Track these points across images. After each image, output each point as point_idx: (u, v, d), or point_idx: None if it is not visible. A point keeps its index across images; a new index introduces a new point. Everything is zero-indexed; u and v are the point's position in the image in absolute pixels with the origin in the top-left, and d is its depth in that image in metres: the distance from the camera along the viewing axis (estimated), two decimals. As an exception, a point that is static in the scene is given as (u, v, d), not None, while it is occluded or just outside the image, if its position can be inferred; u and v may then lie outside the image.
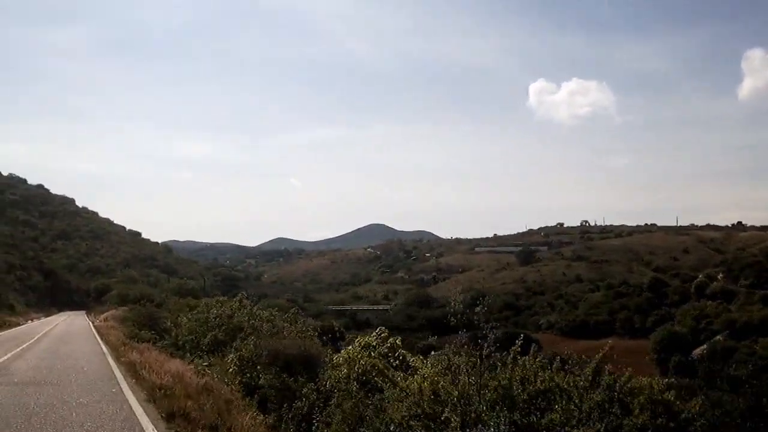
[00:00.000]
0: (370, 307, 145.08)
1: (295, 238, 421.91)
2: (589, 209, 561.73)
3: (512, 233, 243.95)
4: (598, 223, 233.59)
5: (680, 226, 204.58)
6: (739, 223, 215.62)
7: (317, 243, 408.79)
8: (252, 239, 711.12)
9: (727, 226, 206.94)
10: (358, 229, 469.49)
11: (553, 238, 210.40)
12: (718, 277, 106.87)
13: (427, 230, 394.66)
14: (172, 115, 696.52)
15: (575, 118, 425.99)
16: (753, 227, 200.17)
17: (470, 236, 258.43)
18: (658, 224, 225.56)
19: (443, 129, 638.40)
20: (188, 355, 22.50)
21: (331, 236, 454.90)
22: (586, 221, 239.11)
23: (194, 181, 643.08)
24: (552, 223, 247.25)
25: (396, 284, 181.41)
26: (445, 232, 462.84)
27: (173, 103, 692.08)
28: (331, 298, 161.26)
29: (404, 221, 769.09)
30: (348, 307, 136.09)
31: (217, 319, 25.65)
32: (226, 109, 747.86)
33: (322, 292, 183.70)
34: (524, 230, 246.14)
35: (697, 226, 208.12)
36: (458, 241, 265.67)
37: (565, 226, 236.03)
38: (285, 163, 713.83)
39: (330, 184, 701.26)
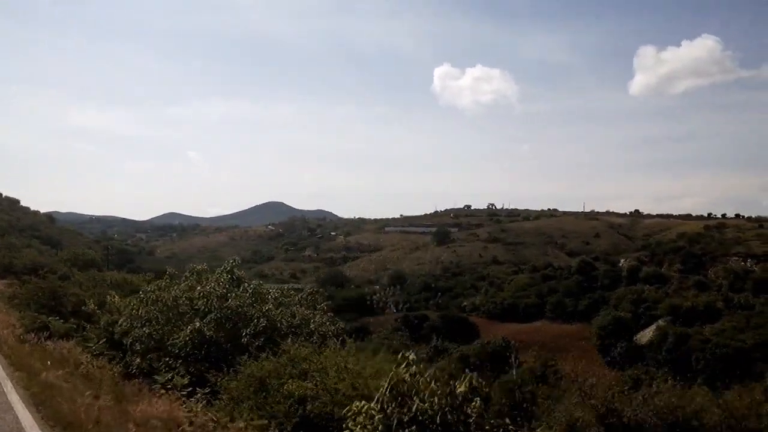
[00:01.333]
0: (279, 286, 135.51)
1: (189, 214, 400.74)
2: (493, 194, 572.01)
3: (419, 214, 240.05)
4: (504, 207, 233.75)
5: (584, 211, 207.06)
6: (637, 211, 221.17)
7: (213, 219, 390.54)
8: (142, 213, 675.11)
9: (626, 214, 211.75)
10: (256, 206, 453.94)
11: (463, 219, 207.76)
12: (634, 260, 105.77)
13: (328, 209, 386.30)
14: (65, 83, 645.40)
15: (478, 104, 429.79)
16: (650, 215, 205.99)
17: (375, 216, 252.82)
18: (560, 209, 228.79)
19: (350, 109, 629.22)
20: (153, 365, 13.30)
21: (228, 213, 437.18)
22: (493, 204, 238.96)
23: (82, 153, 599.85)
24: (458, 205, 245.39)
25: (303, 263, 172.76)
26: (345, 212, 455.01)
27: (66, 71, 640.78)
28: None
29: (304, 200, 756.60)
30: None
31: (201, 301, 16.33)
32: (124, 78, 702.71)
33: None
34: (432, 211, 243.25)
35: (599, 212, 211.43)
36: (363, 220, 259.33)
37: (472, 208, 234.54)
38: (183, 137, 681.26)
39: (229, 160, 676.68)
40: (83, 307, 22.68)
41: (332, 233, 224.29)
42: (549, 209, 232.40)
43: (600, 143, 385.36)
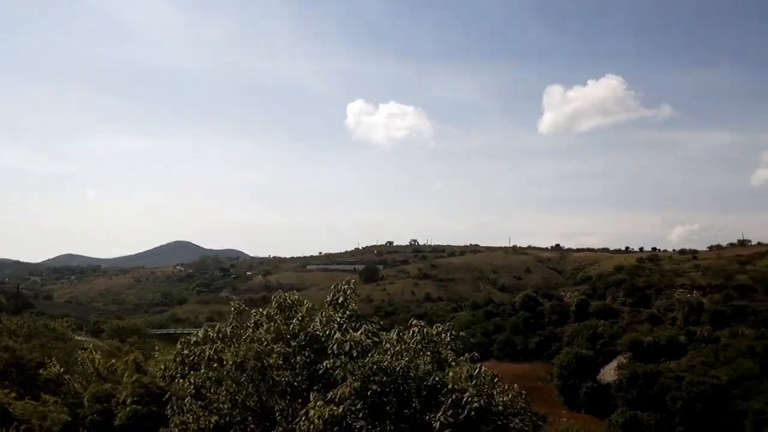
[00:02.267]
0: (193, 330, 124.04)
1: (88, 255, 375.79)
2: (413, 230, 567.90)
3: (340, 251, 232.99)
4: (428, 243, 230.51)
5: (511, 246, 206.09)
6: (557, 245, 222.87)
7: (115, 260, 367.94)
8: (36, 255, 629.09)
9: (547, 248, 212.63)
10: (162, 246, 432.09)
11: (387, 256, 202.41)
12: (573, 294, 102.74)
13: (239, 248, 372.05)
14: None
15: (392, 140, 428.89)
16: (570, 249, 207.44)
17: (291, 254, 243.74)
18: (481, 244, 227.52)
19: (257, 145, 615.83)
20: None
21: (131, 253, 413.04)
22: (415, 240, 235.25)
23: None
24: (380, 242, 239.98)
25: (220, 305, 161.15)
26: (258, 251, 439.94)
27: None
28: (146, 320, 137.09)
29: (213, 239, 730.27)
30: (173, 330, 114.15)
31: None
32: (15, 111, 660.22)
33: (129, 314, 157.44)
34: (353, 248, 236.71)
35: (521, 246, 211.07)
36: (280, 259, 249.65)
37: (395, 244, 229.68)
38: (80, 174, 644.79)
39: (131, 198, 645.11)
40: (41, 371, 14.36)
41: (248, 273, 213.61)
42: (471, 245, 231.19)
43: (510, 180, 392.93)
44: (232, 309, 12.11)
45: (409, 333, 10.73)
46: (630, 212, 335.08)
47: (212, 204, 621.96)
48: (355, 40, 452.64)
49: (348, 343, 9.69)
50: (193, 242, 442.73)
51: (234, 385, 10.41)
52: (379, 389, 9.36)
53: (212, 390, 10.48)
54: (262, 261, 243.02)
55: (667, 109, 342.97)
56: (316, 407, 8.79)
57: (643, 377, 63.42)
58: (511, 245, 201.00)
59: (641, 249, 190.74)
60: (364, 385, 9.21)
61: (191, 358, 10.48)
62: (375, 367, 9.39)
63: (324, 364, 9.76)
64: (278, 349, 10.58)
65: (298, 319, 10.95)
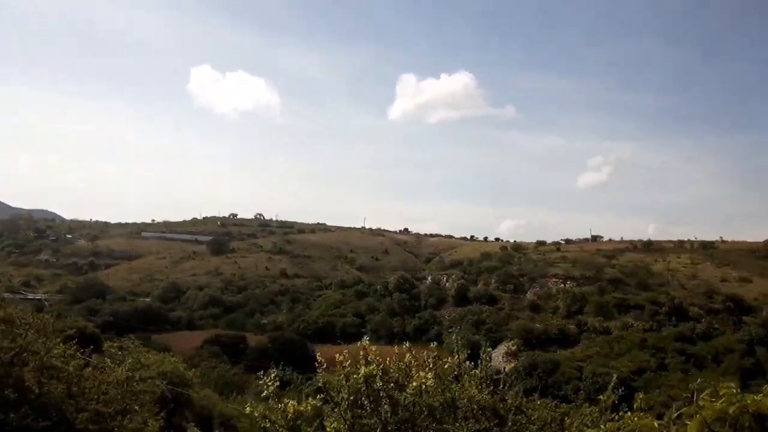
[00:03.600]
0: (10, 296, 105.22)
1: None
2: (251, 203, 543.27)
3: (178, 220, 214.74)
4: (276, 218, 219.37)
5: (367, 227, 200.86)
6: (406, 229, 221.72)
7: None
8: None
9: (396, 231, 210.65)
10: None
11: (232, 228, 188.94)
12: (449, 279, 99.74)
13: (52, 210, 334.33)
14: None
15: (238, 111, 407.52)
16: (419, 234, 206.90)
17: (119, 220, 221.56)
18: (329, 223, 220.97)
19: (84, 98, 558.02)
20: None
21: None
22: (261, 215, 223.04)
23: None
24: (222, 213, 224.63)
25: (38, 268, 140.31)
26: (77, 214, 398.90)
27: None
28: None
29: (22, 197, 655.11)
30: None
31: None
32: None
33: None
34: (191, 218, 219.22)
35: (372, 228, 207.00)
36: (106, 224, 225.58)
37: (239, 217, 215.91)
38: None
39: None
40: None
41: (68, 236, 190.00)
42: (319, 223, 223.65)
43: (357, 163, 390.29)
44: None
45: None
46: (466, 203, 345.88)
47: (23, 157, 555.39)
48: (208, 2, 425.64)
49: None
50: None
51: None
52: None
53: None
54: (86, 225, 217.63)
55: (511, 110, 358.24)
56: None
57: (542, 365, 60.07)
58: (362, 226, 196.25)
59: (485, 238, 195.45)
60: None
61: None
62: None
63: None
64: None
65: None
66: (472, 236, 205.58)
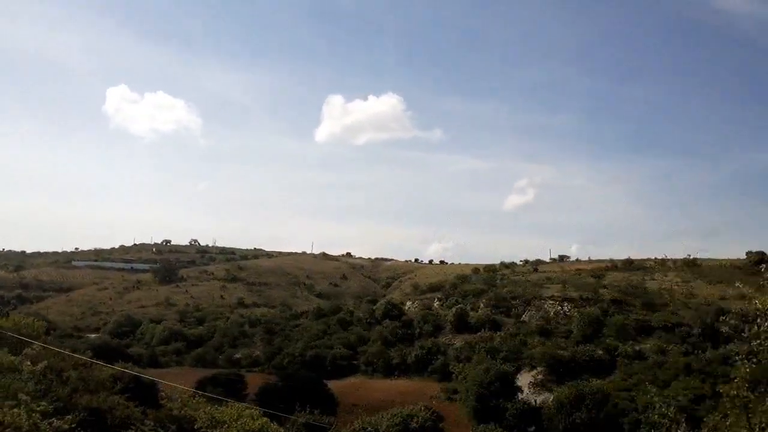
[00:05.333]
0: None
1: None
2: (178, 229, 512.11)
3: (106, 248, 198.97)
4: (211, 244, 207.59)
5: (302, 252, 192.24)
6: (349, 253, 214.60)
7: None
8: None
9: (340, 257, 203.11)
10: None
11: (169, 255, 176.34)
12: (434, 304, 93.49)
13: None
14: None
15: (157, 133, 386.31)
16: (373, 258, 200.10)
17: (37, 249, 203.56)
18: (265, 249, 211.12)
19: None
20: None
21: None
22: (196, 240, 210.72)
23: None
24: (155, 240, 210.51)
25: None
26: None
27: None
28: None
29: None
30: None
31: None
32: None
33: None
34: (118, 245, 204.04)
35: (308, 253, 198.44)
36: (23, 253, 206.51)
37: (173, 243, 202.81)
38: None
39: None
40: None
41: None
42: (257, 248, 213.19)
43: (282, 186, 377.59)
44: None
45: None
46: (394, 225, 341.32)
47: None
48: (124, 21, 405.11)
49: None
50: None
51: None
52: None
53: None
54: (3, 255, 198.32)
55: (438, 133, 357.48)
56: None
57: (590, 397, 54.02)
58: (305, 251, 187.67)
59: (442, 261, 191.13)
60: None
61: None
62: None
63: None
64: None
65: None
66: (416, 259, 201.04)
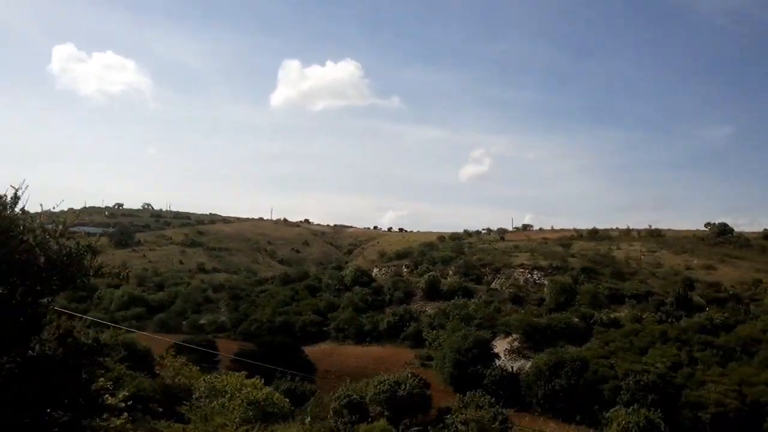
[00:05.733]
0: None
1: None
2: (128, 193, 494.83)
3: (57, 211, 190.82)
4: (165, 209, 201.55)
5: (261, 218, 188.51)
6: (307, 220, 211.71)
7: None
8: None
9: (298, 223, 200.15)
10: None
11: (122, 219, 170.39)
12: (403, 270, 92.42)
13: None
14: None
15: (106, 95, 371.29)
16: (336, 225, 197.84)
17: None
18: (221, 214, 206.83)
19: None
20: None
21: None
22: (149, 204, 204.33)
23: None
24: (106, 203, 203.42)
25: None
26: None
27: None
28: None
29: None
30: None
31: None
32: None
33: None
34: (66, 209, 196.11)
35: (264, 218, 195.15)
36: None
37: (125, 207, 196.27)
38: None
39: None
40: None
41: None
42: (212, 213, 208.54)
43: (237, 153, 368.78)
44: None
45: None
46: (349, 193, 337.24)
47: None
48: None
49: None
50: None
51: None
52: None
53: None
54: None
55: (396, 101, 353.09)
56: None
57: (570, 364, 53.66)
58: (272, 218, 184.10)
59: (401, 229, 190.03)
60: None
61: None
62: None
63: None
64: None
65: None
66: (375, 226, 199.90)
